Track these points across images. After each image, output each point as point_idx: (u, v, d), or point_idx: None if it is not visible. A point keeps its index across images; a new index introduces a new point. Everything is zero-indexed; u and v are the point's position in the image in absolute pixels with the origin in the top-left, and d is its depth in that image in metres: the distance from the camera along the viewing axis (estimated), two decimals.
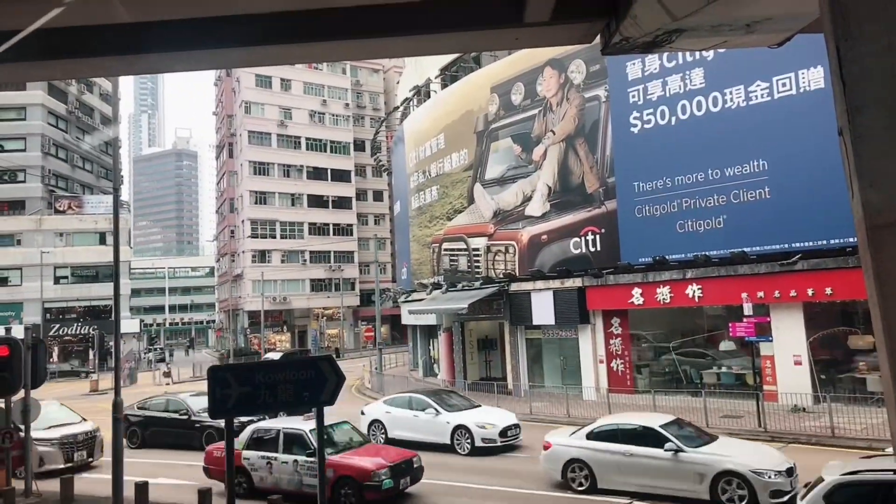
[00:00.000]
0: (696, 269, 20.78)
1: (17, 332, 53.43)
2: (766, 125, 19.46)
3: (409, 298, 35.53)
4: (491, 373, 30.70)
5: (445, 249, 31.57)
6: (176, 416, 20.07)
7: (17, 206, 55.76)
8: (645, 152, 22.12)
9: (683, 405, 20.03)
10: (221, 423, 9.19)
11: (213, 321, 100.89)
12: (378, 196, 76.53)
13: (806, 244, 18.59)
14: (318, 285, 69.10)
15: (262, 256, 66.03)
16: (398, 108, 40.23)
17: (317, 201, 69.30)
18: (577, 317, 24.00)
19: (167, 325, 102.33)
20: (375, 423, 18.59)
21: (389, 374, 34.64)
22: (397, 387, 29.06)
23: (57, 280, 54.43)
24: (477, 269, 28.95)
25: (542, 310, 25.18)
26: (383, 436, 18.25)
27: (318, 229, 68.99)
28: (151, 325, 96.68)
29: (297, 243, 67.28)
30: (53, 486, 14.83)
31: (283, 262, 66.69)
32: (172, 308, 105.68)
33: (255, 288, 63.41)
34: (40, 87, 56.38)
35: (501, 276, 27.20)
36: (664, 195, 21.48)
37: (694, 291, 20.82)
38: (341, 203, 70.91)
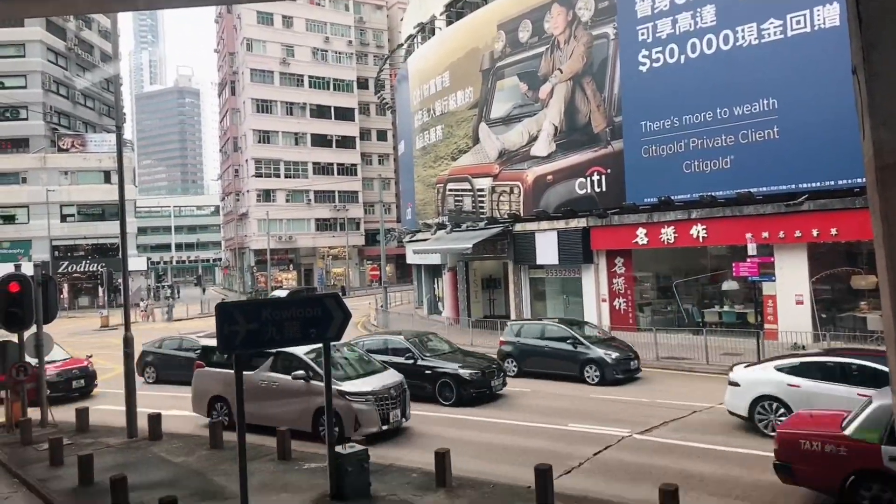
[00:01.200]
0: (701, 210, 20.78)
1: (27, 269, 54.30)
2: (777, 64, 19.06)
3: (414, 238, 35.70)
4: (494, 311, 31.15)
5: (450, 190, 31.50)
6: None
7: (20, 144, 55.54)
8: (653, 91, 21.78)
9: (685, 343, 20.39)
10: None
11: (220, 259, 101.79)
12: (382, 136, 75.80)
13: (813, 185, 18.50)
14: (323, 225, 69.38)
15: (266, 196, 66.03)
16: (402, 45, 39.41)
17: (320, 140, 68.78)
18: (581, 257, 24.16)
19: (174, 264, 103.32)
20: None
21: (395, 312, 35.21)
22: (402, 324, 29.61)
23: (63, 218, 54.74)
24: (481, 210, 28.97)
25: (546, 250, 25.34)
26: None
27: (323, 169, 68.74)
28: (158, 262, 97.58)
29: (302, 183, 67.15)
30: (69, 416, 15.39)
31: (287, 201, 66.74)
32: (179, 246, 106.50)
33: (260, 227, 63.72)
34: (38, 23, 55.21)
35: (506, 216, 27.23)
36: (671, 135, 21.26)
37: (698, 232, 20.88)
38: (345, 142, 70.37)
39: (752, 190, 19.43)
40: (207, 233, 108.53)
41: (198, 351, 20.11)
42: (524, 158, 26.50)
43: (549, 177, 25.32)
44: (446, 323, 29.52)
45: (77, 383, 18.75)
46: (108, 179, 56.75)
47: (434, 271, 35.97)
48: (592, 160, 23.67)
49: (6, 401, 14.62)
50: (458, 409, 15.24)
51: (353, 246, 70.06)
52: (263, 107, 66.60)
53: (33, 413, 15.00)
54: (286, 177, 67.01)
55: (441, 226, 31.51)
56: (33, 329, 14.82)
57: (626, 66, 22.48)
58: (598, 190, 23.53)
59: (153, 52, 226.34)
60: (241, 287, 67.61)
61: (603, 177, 23.36)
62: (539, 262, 26.00)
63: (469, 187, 29.86)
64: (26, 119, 55.05)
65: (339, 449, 9.86)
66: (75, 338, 34.28)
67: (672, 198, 21.03)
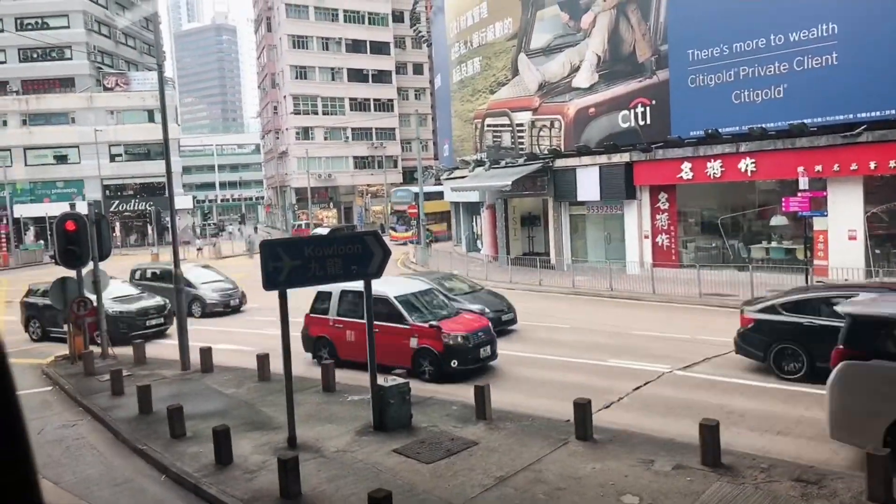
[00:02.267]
0: (750, 143, 20.01)
1: (81, 208, 56.15)
2: None
3: (452, 176, 35.45)
4: (534, 248, 31.07)
5: (488, 125, 30.97)
6: None
7: (67, 84, 56.48)
8: (702, 18, 20.73)
9: (730, 279, 20.07)
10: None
11: (262, 198, 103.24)
12: (418, 69, 74.54)
13: (872, 115, 17.58)
14: (361, 162, 69.57)
15: (305, 133, 66.28)
16: None
17: (357, 75, 68.17)
18: (623, 192, 23.70)
19: (218, 202, 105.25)
20: None
21: (434, 249, 35.39)
22: (441, 262, 29.80)
23: (112, 158, 56.04)
24: (521, 145, 28.49)
25: (588, 185, 24.91)
26: None
27: (359, 105, 68.38)
28: (203, 201, 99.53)
29: (339, 119, 67.07)
30: (126, 351, 16.14)
31: (325, 139, 66.95)
32: (222, 185, 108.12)
33: (300, 165, 64.20)
34: None
35: (546, 151, 26.75)
36: (720, 63, 20.32)
37: (747, 165, 20.19)
38: (381, 77, 69.58)
39: (805, 121, 18.57)
40: (249, 171, 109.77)
41: None
42: (565, 90, 25.76)
43: (592, 109, 24.62)
44: (485, 260, 29.56)
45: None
46: (152, 118, 57.48)
47: (472, 209, 35.84)
48: (636, 91, 22.88)
49: (69, 334, 15.41)
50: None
51: (391, 184, 70.20)
52: (299, 42, 66.11)
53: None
54: (324, 114, 67.02)
55: (479, 162, 31.15)
56: (90, 266, 15.43)
57: None
58: (641, 123, 22.83)
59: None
60: (284, 225, 68.72)
61: (647, 108, 22.61)
62: (580, 198, 25.62)
63: (508, 122, 29.30)
64: (71, 59, 55.75)
65: (381, 381, 10.14)
66: (128, 275, 35.45)
67: (719, 130, 20.26)
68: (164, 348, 16.61)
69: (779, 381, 11.42)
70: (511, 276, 24.89)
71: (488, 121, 30.88)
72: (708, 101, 20.66)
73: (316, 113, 66.78)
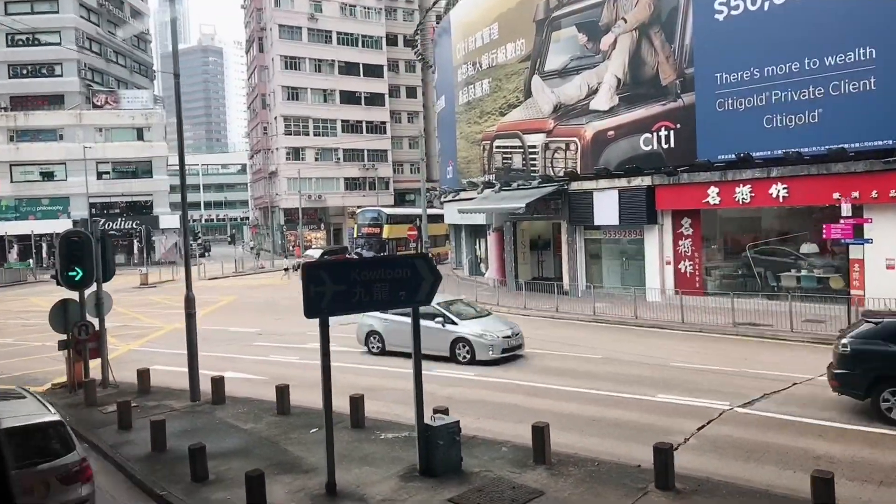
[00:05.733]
0: (781, 167, 19.40)
1: (66, 225, 54.45)
2: (875, 8, 17.49)
3: (457, 197, 34.62)
4: (543, 273, 30.22)
5: (498, 147, 30.25)
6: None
7: (56, 101, 55.36)
8: (730, 41, 20.23)
9: (761, 308, 19.38)
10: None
11: (247, 218, 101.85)
12: (411, 93, 74.36)
13: None
14: (352, 184, 68.90)
15: (296, 154, 65.52)
16: None
17: (349, 98, 67.81)
18: (644, 217, 22.98)
19: (203, 221, 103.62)
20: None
21: None
22: (446, 285, 28.73)
23: (99, 175, 54.80)
24: (533, 168, 27.75)
25: (605, 209, 24.18)
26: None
27: (352, 127, 67.95)
28: (188, 220, 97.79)
29: (331, 141, 66.45)
30: (129, 377, 14.93)
31: (316, 160, 66.26)
32: (207, 205, 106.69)
33: (290, 186, 63.35)
34: None
35: (561, 174, 26.02)
36: (751, 87, 19.78)
37: (779, 191, 19.55)
38: (374, 100, 69.30)
39: (844, 146, 17.98)
40: (234, 191, 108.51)
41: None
42: (582, 113, 25.13)
43: (611, 132, 23.98)
44: (492, 284, 28.62)
45: None
46: (140, 136, 56.43)
47: (475, 231, 35.01)
48: (660, 114, 22.28)
49: (68, 360, 14.16)
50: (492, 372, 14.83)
51: (383, 206, 69.45)
52: (292, 63, 65.69)
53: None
54: (315, 135, 66.42)
55: (488, 184, 30.36)
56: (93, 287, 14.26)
57: (701, 14, 20.89)
58: (665, 146, 22.19)
59: (175, 10, 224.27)
60: (272, 246, 67.52)
61: (671, 132, 21.99)
62: (597, 222, 24.86)
63: (519, 144, 28.60)
64: (61, 76, 54.71)
65: (428, 421, 9.13)
66: (118, 295, 34.05)
67: (752, 154, 19.63)
68: (167, 375, 15.38)
69: (862, 423, 10.49)
70: (525, 301, 23.96)
71: (497, 142, 30.16)
72: (737, 124, 20.08)
73: (307, 134, 66.16)
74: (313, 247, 58.97)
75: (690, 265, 22.37)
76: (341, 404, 12.64)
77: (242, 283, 41.14)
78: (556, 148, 26.35)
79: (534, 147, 27.57)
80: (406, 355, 13.78)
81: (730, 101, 20.28)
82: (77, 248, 13.75)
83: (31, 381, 16.00)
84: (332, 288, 8.52)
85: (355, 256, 44.99)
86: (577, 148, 25.34)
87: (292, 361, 17.21)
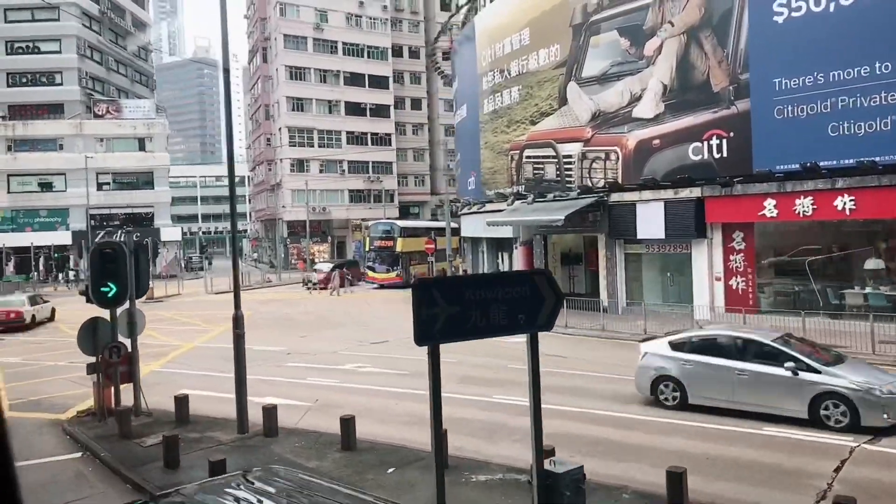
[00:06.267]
0: (849, 178, 18.33)
1: (64, 237, 52.82)
2: None
3: (482, 209, 33.42)
4: (574, 288, 29.02)
5: (528, 157, 29.12)
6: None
7: (56, 110, 53.97)
8: (791, 45, 19.23)
9: (825, 328, 18.15)
10: None
11: (247, 231, 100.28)
12: (416, 104, 73.41)
13: None
14: (356, 196, 67.67)
15: (300, 166, 64.30)
16: (470, 1, 36.62)
17: (354, 109, 66.73)
18: (693, 230, 21.85)
19: (201, 234, 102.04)
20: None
21: None
22: None
23: (99, 186, 53.34)
24: (568, 178, 26.61)
25: (650, 222, 23.03)
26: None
27: (357, 139, 66.83)
28: (186, 233, 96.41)
29: (336, 152, 65.31)
30: (160, 403, 13.60)
31: (321, 171, 65.05)
32: (206, 217, 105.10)
33: (294, 198, 62.12)
34: None
35: (600, 184, 24.89)
36: (814, 93, 18.76)
37: (845, 203, 18.46)
38: (379, 111, 68.27)
39: None
40: None
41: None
42: (624, 121, 24.05)
43: (656, 141, 22.90)
44: None
45: None
46: (141, 147, 55.11)
47: (498, 244, 33.79)
48: (710, 122, 21.22)
49: (96, 386, 12.77)
50: None
51: (389, 219, 68.27)
52: (297, 74, 64.63)
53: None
54: (320, 146, 65.19)
55: (519, 195, 29.19)
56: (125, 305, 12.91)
57: (758, 16, 19.91)
58: (717, 155, 21.11)
59: (171, 23, 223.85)
60: (276, 259, 66.16)
61: (724, 140, 20.92)
62: (640, 235, 23.69)
63: (552, 153, 27.48)
64: (61, 84, 53.40)
65: (548, 466, 7.82)
66: None
67: (819, 164, 18.55)
68: (203, 401, 13.97)
69: None
70: (566, 319, 22.69)
71: (528, 152, 29.03)
72: (798, 133, 19.03)
73: (312, 145, 64.99)
74: (321, 260, 57.67)
75: (742, 281, 21.22)
76: (402, 435, 11.40)
77: (251, 297, 39.63)
78: (594, 157, 25.24)
79: (569, 157, 26.45)
80: (717, 412, 11.64)
81: (790, 108, 19.24)
82: (111, 261, 12.40)
83: (51, 406, 14.62)
84: (446, 310, 7.22)
85: (367, 270, 43.87)
86: (617, 157, 24.24)
87: (332, 385, 15.91)
